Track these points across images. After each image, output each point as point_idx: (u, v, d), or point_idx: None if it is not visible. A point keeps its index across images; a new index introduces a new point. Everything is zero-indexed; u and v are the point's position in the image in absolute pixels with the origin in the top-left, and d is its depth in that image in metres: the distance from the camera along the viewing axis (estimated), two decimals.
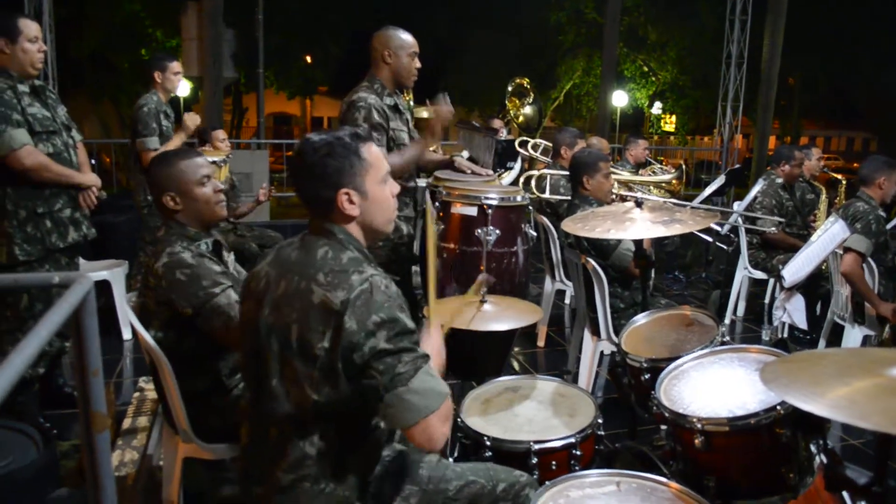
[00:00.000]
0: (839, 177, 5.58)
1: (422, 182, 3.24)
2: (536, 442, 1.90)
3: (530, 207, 4.45)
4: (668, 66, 17.41)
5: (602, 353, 3.16)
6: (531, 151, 5.45)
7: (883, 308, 3.34)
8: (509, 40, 17.10)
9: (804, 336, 4.02)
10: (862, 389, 1.18)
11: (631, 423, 2.49)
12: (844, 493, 1.34)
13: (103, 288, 3.90)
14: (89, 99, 14.36)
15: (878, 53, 17.05)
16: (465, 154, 3.68)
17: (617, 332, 2.93)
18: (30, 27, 2.65)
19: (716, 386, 1.90)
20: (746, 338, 4.57)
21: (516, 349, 4.05)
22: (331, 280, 1.40)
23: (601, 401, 3.33)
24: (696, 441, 1.71)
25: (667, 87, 18.02)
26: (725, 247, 4.99)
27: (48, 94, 2.81)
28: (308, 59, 16.82)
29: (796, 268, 3.42)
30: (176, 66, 3.88)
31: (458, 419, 2.02)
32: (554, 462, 1.90)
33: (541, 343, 4.19)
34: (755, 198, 4.68)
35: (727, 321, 4.76)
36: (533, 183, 4.22)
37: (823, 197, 5.14)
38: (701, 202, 5.37)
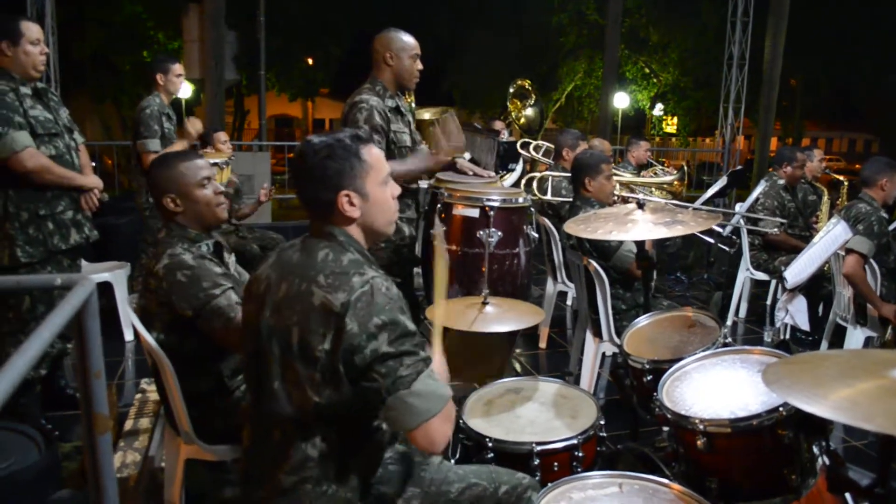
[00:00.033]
0: (841, 178, 5.57)
1: (423, 184, 3.24)
2: (538, 443, 1.90)
3: (532, 209, 4.45)
4: (670, 67, 17.44)
5: (604, 354, 3.17)
6: (533, 153, 5.46)
7: (885, 309, 3.33)
8: (510, 41, 17.12)
9: (806, 337, 4.01)
10: (864, 391, 1.18)
11: (633, 424, 2.48)
12: (847, 495, 1.35)
13: (105, 290, 3.91)
14: (91, 100, 14.38)
15: (880, 55, 17.07)
16: (467, 156, 3.67)
17: (619, 334, 2.93)
18: (32, 29, 2.65)
19: (718, 387, 1.89)
20: (748, 339, 4.56)
21: (518, 351, 4.05)
22: (331, 282, 1.40)
23: (603, 402, 3.32)
24: (699, 442, 1.71)
25: (668, 89, 18.06)
26: (727, 248, 4.98)
27: (50, 96, 2.82)
28: (309, 60, 16.87)
29: (798, 269, 3.42)
30: (178, 68, 3.89)
31: (461, 420, 2.02)
32: (556, 463, 1.90)
33: (542, 344, 4.19)
34: (757, 199, 4.68)
35: (729, 322, 4.75)
36: (535, 184, 4.22)
37: (825, 198, 5.13)
38: (703, 203, 5.36)
